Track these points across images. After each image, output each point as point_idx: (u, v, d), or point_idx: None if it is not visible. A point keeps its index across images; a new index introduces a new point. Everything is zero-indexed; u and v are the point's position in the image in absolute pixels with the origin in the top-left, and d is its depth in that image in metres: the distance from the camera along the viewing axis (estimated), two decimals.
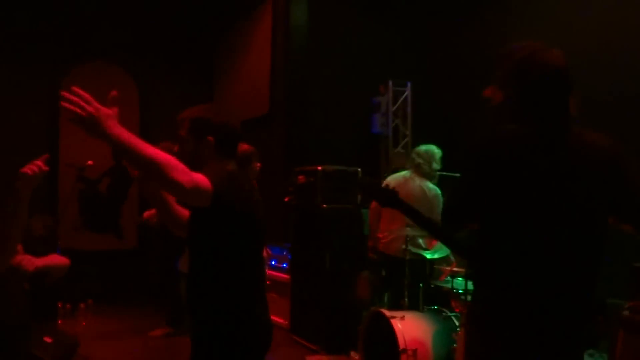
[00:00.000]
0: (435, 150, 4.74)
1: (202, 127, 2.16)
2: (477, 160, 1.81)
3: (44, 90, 7.80)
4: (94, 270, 7.24)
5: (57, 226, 7.02)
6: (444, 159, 4.80)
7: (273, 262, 6.14)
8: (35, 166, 2.32)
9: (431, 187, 4.61)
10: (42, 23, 7.72)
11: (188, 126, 2.20)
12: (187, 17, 8.44)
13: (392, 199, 2.31)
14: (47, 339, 4.75)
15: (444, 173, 5.38)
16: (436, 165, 4.70)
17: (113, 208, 8.22)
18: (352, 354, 4.83)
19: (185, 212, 2.28)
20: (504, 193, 1.76)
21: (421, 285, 4.31)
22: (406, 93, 6.82)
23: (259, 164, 4.26)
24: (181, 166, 1.86)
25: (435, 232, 2.44)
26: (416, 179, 4.63)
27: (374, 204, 4.77)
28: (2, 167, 7.28)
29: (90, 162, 6.85)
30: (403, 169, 6.48)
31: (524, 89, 1.84)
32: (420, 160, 4.68)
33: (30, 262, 3.46)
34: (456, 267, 4.08)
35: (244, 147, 4.17)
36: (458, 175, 1.91)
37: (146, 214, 5.34)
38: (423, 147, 4.78)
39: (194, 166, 1.97)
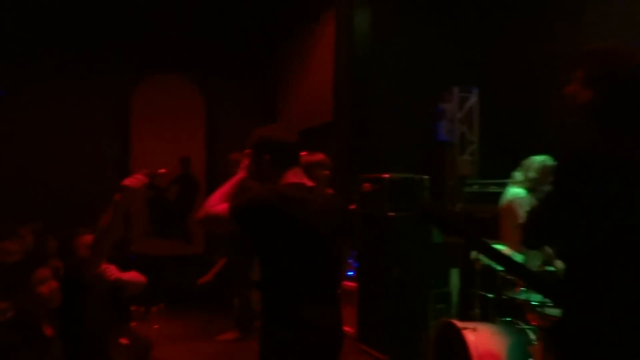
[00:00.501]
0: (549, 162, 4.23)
1: (260, 147, 2.39)
2: (577, 173, 1.69)
3: (116, 100, 8.15)
4: (164, 275, 7.46)
5: (129, 232, 7.31)
6: (513, 166, 4.67)
7: None
8: (138, 179, 2.50)
9: None
10: (114, 35, 8.06)
11: (250, 146, 2.44)
12: (250, 27, 8.62)
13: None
14: (123, 341, 4.94)
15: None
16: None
17: (181, 214, 8.46)
18: None
19: None
20: (613, 210, 1.64)
21: (491, 296, 4.21)
22: (472, 99, 6.70)
23: (326, 172, 4.23)
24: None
25: (507, 265, 2.32)
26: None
27: None
28: (76, 175, 7.71)
29: (163, 170, 7.07)
30: (469, 177, 6.42)
31: (613, 87, 1.76)
32: (534, 175, 4.30)
33: (113, 272, 3.59)
34: None
35: (318, 156, 4.17)
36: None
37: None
38: (538, 159, 4.33)
39: (259, 179, 2.40)
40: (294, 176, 2.36)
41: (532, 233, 1.83)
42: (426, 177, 5.49)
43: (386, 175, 5.33)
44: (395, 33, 6.78)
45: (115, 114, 8.18)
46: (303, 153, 2.54)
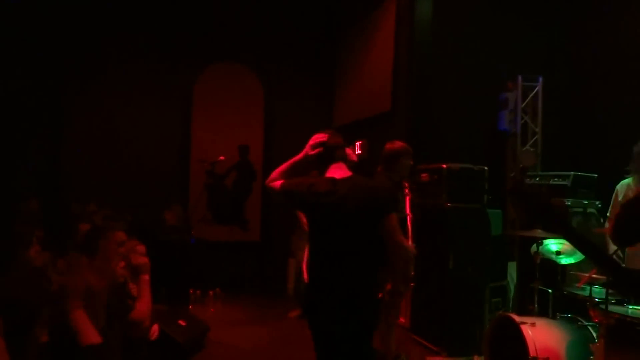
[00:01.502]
0: None
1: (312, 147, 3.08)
2: None
3: (178, 89, 8.36)
4: (222, 260, 7.62)
5: (189, 218, 7.50)
6: (577, 158, 4.49)
7: None
8: None
9: None
10: (177, 25, 8.27)
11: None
12: (310, 16, 8.63)
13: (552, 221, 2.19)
14: (181, 322, 5.08)
15: (579, 173, 5.08)
16: None
17: (238, 201, 8.61)
18: (475, 357, 4.69)
19: None
20: None
21: (550, 291, 4.07)
22: (537, 88, 6.48)
23: (410, 162, 4.24)
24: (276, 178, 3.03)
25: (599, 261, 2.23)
26: None
27: None
28: (142, 162, 7.97)
29: (222, 158, 7.24)
30: (531, 168, 6.23)
31: None
32: (635, 163, 4.09)
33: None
34: (596, 273, 3.79)
35: (396, 144, 4.14)
36: (593, 176, 1.73)
37: None
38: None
39: (314, 168, 3.07)
40: (331, 171, 2.96)
41: (619, 232, 1.75)
42: (485, 168, 5.35)
43: (444, 166, 5.23)
44: (456, 21, 6.63)
45: (178, 102, 8.40)
46: (348, 150, 3.21)
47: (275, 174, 3.02)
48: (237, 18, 8.45)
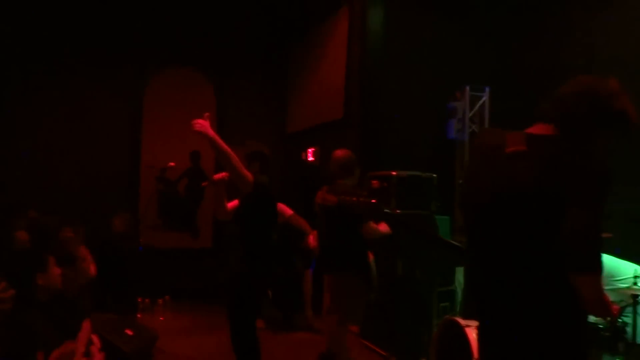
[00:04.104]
0: None
1: (252, 156, 3.92)
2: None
3: (127, 95, 8.20)
4: (171, 268, 7.50)
5: (138, 224, 7.36)
6: None
7: None
8: None
9: None
10: (127, 30, 8.12)
11: (246, 154, 3.91)
12: (263, 22, 8.64)
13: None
14: (129, 332, 4.97)
15: None
16: None
17: (190, 208, 8.50)
18: None
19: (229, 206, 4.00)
20: None
21: None
22: (484, 98, 6.67)
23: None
24: (242, 165, 3.58)
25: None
26: None
27: None
28: (89, 168, 7.78)
29: (172, 164, 7.14)
30: None
31: None
32: None
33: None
34: None
35: (341, 153, 4.16)
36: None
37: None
38: None
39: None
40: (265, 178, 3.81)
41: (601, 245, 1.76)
42: (434, 175, 5.47)
43: (393, 173, 5.31)
44: (408, 31, 6.76)
45: (128, 108, 8.24)
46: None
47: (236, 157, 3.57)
48: (189, 23, 8.36)
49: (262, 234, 3.88)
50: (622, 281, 3.60)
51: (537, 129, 1.91)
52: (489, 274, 1.92)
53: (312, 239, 5.00)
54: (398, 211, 5.25)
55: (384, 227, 4.29)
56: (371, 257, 4.57)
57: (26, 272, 2.87)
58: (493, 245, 1.89)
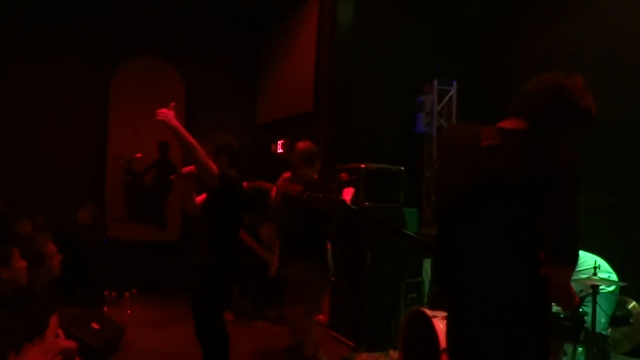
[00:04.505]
0: None
1: (220, 149, 3.81)
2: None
3: (94, 85, 8.04)
4: (138, 260, 7.41)
5: (104, 216, 7.25)
6: None
7: None
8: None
9: None
10: (91, 19, 7.94)
11: (213, 147, 3.79)
12: (233, 12, 8.55)
13: None
14: (95, 325, 4.91)
15: None
16: None
17: (158, 200, 8.41)
18: (391, 352, 4.83)
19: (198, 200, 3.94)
20: None
21: None
22: (451, 92, 6.76)
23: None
24: (208, 157, 3.50)
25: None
26: None
27: None
28: (54, 159, 7.62)
29: (139, 155, 7.06)
30: None
31: None
32: None
33: None
34: None
35: (303, 144, 4.41)
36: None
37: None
38: None
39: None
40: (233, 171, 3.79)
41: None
42: (402, 168, 5.53)
43: (362, 166, 5.36)
44: (377, 24, 6.80)
45: (94, 98, 8.08)
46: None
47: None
48: (157, 11, 8.22)
49: (229, 227, 3.86)
50: (583, 272, 3.72)
51: (509, 124, 1.97)
52: (462, 265, 1.96)
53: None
54: (366, 204, 5.31)
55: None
56: (329, 247, 4.74)
57: None
58: (468, 236, 1.94)
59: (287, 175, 4.53)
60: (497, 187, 1.86)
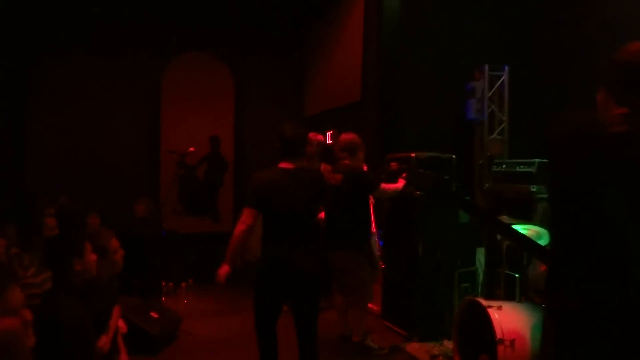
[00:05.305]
0: None
1: (278, 137, 3.64)
2: None
3: (146, 80, 8.25)
4: (193, 252, 7.58)
5: (160, 209, 7.44)
6: (543, 145, 4.58)
7: None
8: None
9: None
10: (143, 17, 8.14)
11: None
12: (280, 6, 8.59)
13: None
14: (154, 314, 5.07)
15: (544, 160, 5.19)
16: None
17: (210, 193, 8.58)
18: (445, 342, 4.79)
19: None
20: None
21: (517, 275, 4.17)
22: (503, 77, 6.60)
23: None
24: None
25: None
26: None
27: None
28: (108, 154, 7.87)
29: (192, 149, 7.20)
30: (498, 156, 6.35)
31: None
32: None
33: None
34: None
35: (345, 136, 4.52)
36: None
37: None
38: None
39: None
40: (286, 163, 3.56)
41: None
42: (453, 156, 5.44)
43: (412, 154, 5.30)
44: (424, 11, 6.69)
45: (147, 93, 8.30)
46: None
47: None
48: (207, 8, 8.35)
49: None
50: None
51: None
52: (620, 275, 1.73)
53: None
54: (418, 193, 5.25)
55: (390, 187, 4.87)
56: (374, 234, 4.90)
57: (63, 257, 2.91)
58: (613, 231, 1.75)
59: (326, 167, 4.70)
60: None
